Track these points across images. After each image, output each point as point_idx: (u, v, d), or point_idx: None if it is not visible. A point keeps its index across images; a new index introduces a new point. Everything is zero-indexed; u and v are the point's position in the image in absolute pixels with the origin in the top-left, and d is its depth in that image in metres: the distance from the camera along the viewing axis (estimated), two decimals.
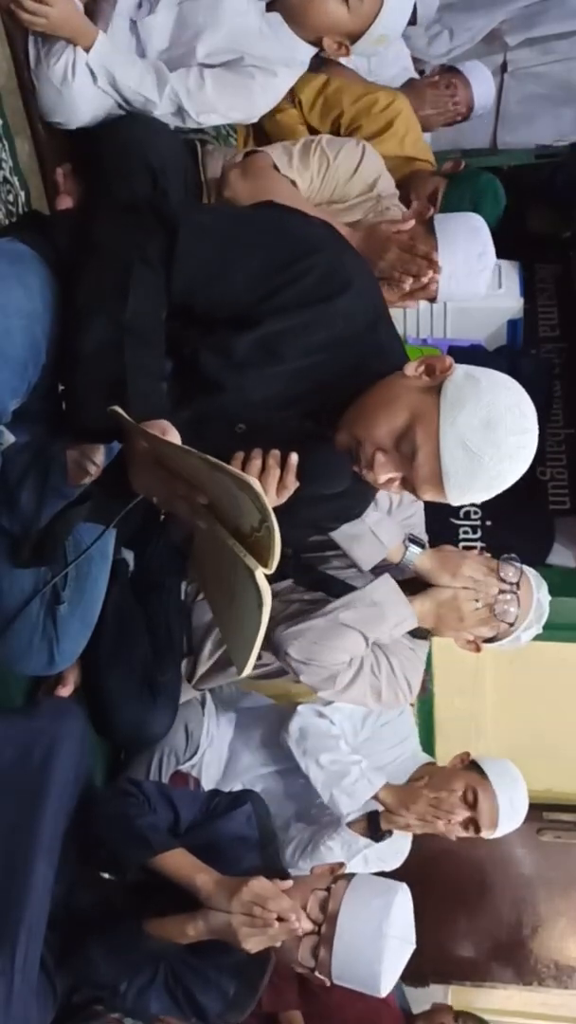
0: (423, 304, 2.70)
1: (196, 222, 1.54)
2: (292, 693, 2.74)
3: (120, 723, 2.24)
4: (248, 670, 1.31)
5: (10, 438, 1.62)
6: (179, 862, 1.83)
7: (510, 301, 3.16)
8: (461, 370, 1.56)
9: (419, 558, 2.21)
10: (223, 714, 2.57)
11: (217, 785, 2.46)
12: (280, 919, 1.71)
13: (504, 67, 3.96)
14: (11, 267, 1.50)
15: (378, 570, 2.20)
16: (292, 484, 1.55)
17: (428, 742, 3.08)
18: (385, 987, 1.86)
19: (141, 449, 1.36)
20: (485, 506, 3.00)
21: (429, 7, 3.63)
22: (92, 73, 2.07)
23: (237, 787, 2.44)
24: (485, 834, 2.36)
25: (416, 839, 2.55)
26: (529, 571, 2.28)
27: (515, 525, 2.99)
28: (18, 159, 2.12)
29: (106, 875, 1.93)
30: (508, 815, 2.35)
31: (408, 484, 1.59)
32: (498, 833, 2.37)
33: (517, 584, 2.22)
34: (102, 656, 2.16)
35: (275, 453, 1.54)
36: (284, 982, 2.47)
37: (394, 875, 2.31)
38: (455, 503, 1.59)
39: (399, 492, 1.63)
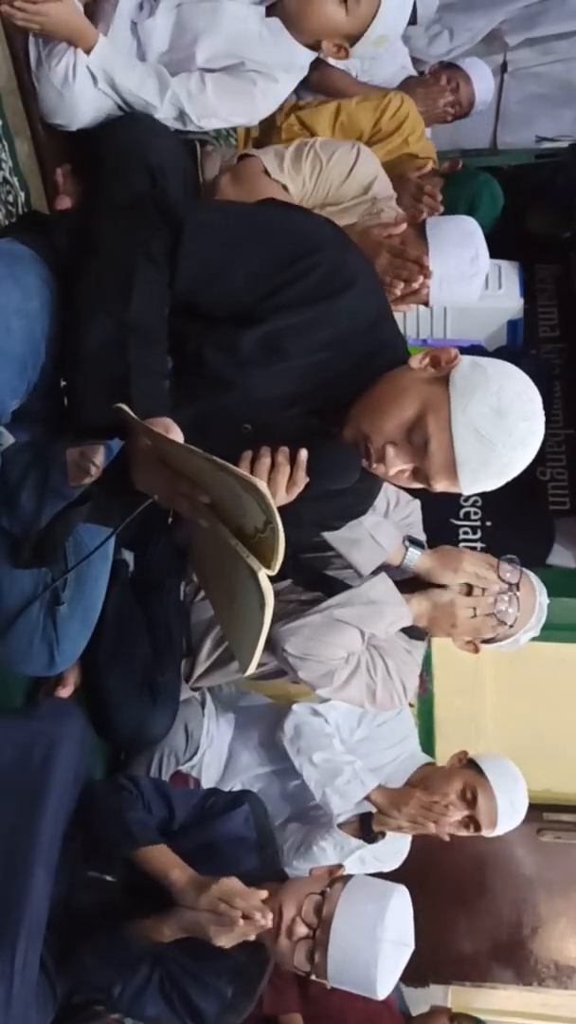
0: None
1: (200, 220, 1.54)
2: (291, 693, 2.73)
3: (120, 724, 2.24)
4: (252, 669, 1.32)
5: (10, 439, 1.62)
6: (158, 858, 1.84)
7: (510, 301, 3.16)
8: (467, 360, 1.58)
9: (419, 559, 2.22)
10: (223, 715, 2.57)
11: (216, 785, 2.46)
12: (246, 917, 1.72)
13: (504, 67, 3.97)
14: (9, 267, 1.50)
15: (377, 572, 2.20)
16: (302, 481, 1.56)
17: (428, 742, 3.08)
18: (382, 990, 1.86)
19: (144, 447, 1.36)
20: (485, 507, 3.00)
21: (429, 7, 3.63)
22: (92, 75, 2.07)
23: (236, 787, 2.44)
24: (485, 832, 2.36)
25: (416, 839, 2.55)
26: (529, 574, 2.29)
27: (515, 526, 2.99)
28: (18, 159, 2.12)
29: (108, 876, 1.93)
30: (508, 813, 2.35)
31: (420, 475, 1.59)
32: (498, 831, 2.37)
33: (516, 585, 2.22)
34: (102, 657, 2.16)
35: (284, 450, 1.54)
36: (285, 984, 2.47)
37: (393, 876, 2.31)
38: (467, 491, 1.60)
39: (409, 483, 1.63)
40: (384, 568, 2.20)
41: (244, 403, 1.57)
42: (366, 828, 2.34)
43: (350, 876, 1.96)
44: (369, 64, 3.18)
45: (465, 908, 3.49)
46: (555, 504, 3.18)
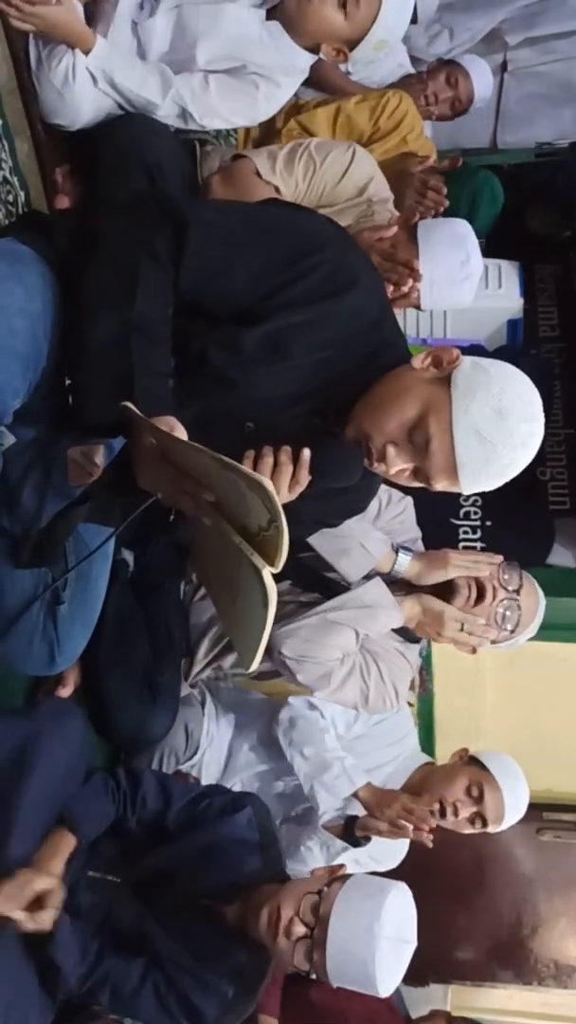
0: None
1: (204, 218, 1.54)
2: (291, 692, 2.73)
3: (120, 724, 2.24)
4: (255, 666, 1.33)
5: (10, 439, 1.62)
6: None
7: (510, 301, 3.16)
8: (468, 360, 1.58)
9: (408, 565, 2.24)
10: (223, 714, 2.57)
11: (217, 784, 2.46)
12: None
13: (504, 66, 3.96)
14: (11, 267, 1.50)
15: (369, 577, 2.21)
16: (305, 480, 1.56)
17: (428, 742, 3.08)
18: (384, 987, 1.85)
19: (148, 445, 1.36)
20: (485, 506, 3.00)
21: (429, 6, 3.63)
22: (92, 76, 2.07)
23: (236, 785, 2.44)
24: (491, 828, 2.36)
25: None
26: (527, 576, 2.30)
27: (515, 525, 3.00)
28: (18, 159, 2.12)
29: (110, 877, 1.93)
30: (513, 807, 2.35)
31: (420, 474, 1.60)
32: (504, 826, 2.37)
33: (517, 591, 2.24)
34: (102, 656, 2.16)
35: (287, 449, 1.55)
36: (270, 985, 2.46)
37: (393, 875, 2.30)
38: (467, 491, 1.60)
39: (409, 482, 1.63)
40: (373, 575, 2.21)
41: (247, 402, 1.58)
42: (349, 831, 2.33)
43: (349, 875, 1.96)
44: (362, 67, 3.16)
45: (465, 908, 3.48)
46: (555, 504, 3.18)
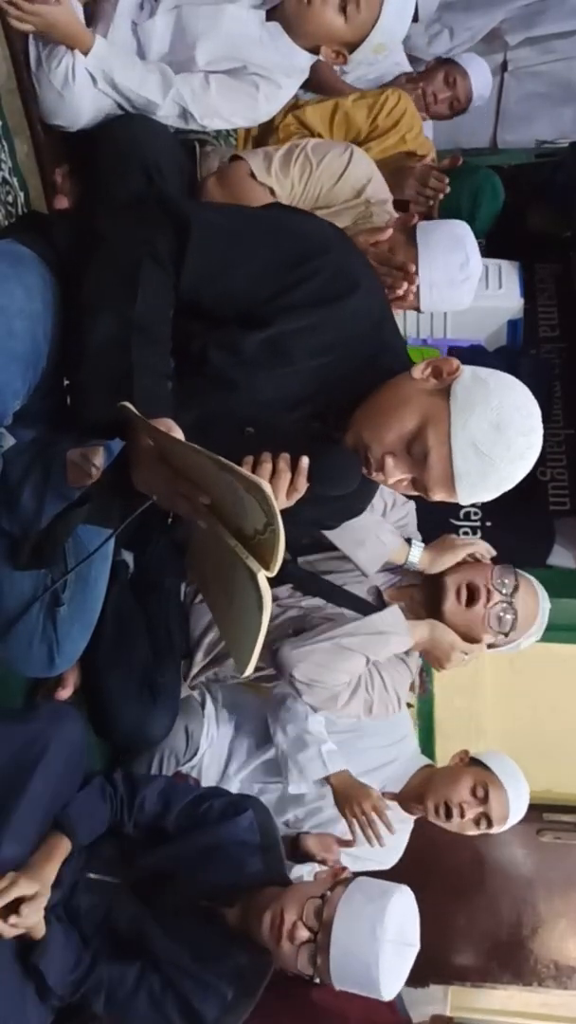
0: None
1: (205, 219, 1.53)
2: None
3: (120, 725, 2.24)
4: (250, 670, 1.32)
5: (10, 440, 1.62)
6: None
7: (510, 301, 3.16)
8: (468, 371, 1.57)
9: (421, 555, 2.29)
10: (223, 716, 2.57)
11: (216, 785, 2.45)
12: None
13: (504, 66, 3.97)
14: (11, 268, 1.50)
15: (382, 572, 2.23)
16: (303, 487, 1.56)
17: (428, 742, 3.08)
18: (387, 991, 1.85)
19: (146, 447, 1.36)
20: (485, 507, 3.00)
21: (429, 6, 3.62)
22: (92, 76, 2.06)
23: (235, 784, 2.44)
24: (496, 828, 2.36)
25: (414, 839, 2.54)
26: (531, 580, 2.30)
27: (515, 526, 3.00)
28: (17, 160, 2.12)
29: (109, 878, 1.93)
30: (516, 806, 2.35)
31: (418, 485, 1.60)
32: (507, 826, 2.37)
33: (512, 594, 2.25)
34: (102, 658, 2.16)
35: (285, 456, 1.54)
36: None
37: (393, 876, 2.30)
38: (464, 503, 1.61)
39: (407, 491, 1.63)
40: (387, 568, 2.22)
41: (247, 404, 1.57)
42: (292, 849, 2.33)
43: (352, 879, 1.96)
44: (357, 66, 3.15)
45: (465, 908, 3.49)
46: (555, 504, 3.18)
